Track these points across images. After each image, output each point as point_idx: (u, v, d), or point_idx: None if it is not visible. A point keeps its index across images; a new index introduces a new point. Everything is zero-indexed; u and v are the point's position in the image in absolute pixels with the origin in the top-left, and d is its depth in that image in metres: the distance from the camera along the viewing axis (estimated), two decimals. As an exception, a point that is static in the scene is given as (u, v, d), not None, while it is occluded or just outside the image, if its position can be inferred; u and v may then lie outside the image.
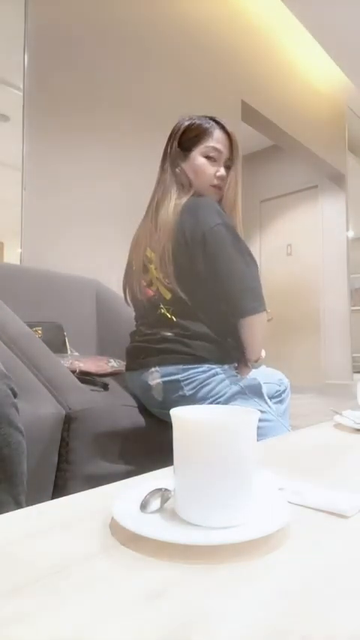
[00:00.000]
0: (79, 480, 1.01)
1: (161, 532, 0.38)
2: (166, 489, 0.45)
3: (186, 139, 1.20)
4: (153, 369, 1.14)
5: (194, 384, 1.10)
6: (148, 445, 1.13)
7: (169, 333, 1.13)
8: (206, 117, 1.22)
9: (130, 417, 1.14)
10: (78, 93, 2.33)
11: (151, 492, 0.44)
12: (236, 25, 3.45)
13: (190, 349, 1.11)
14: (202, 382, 1.10)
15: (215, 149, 1.18)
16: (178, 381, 1.10)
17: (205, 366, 1.10)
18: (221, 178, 1.19)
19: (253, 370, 1.21)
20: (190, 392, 1.10)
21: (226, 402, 1.10)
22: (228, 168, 1.21)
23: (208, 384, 1.10)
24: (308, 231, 5.21)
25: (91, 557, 0.36)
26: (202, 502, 0.40)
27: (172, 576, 0.33)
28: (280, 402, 1.24)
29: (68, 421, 1.01)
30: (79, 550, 0.37)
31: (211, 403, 1.09)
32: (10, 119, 2.13)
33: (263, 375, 1.21)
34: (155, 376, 1.13)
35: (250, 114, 3.56)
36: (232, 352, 1.16)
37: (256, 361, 1.18)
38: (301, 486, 0.51)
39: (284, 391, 1.27)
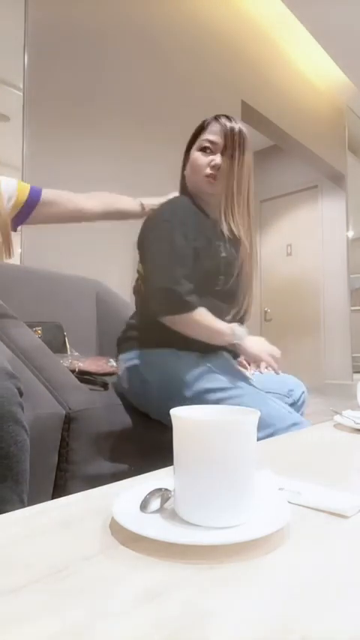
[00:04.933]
0: (79, 480, 1.01)
1: (161, 532, 0.38)
2: (166, 489, 0.45)
3: (190, 141, 1.22)
4: (119, 358, 1.21)
5: (152, 367, 1.13)
6: (148, 445, 1.13)
7: (132, 321, 1.22)
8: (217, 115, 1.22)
9: (130, 417, 1.14)
10: (78, 93, 2.33)
11: (151, 492, 0.44)
12: (236, 25, 3.45)
13: (147, 334, 1.17)
14: (160, 365, 1.12)
15: (209, 140, 1.16)
16: (137, 366, 1.14)
17: (164, 350, 1.13)
18: (215, 167, 1.15)
19: (262, 375, 1.20)
20: (150, 376, 1.12)
21: (192, 382, 1.08)
22: (230, 158, 1.16)
23: (166, 367, 1.12)
24: (308, 231, 5.21)
25: (91, 557, 0.36)
26: (202, 502, 0.40)
27: (172, 576, 0.33)
28: None
29: (68, 421, 1.01)
30: (78, 550, 0.37)
31: (175, 385, 1.09)
32: (10, 119, 2.13)
33: (271, 382, 1.18)
34: (121, 364, 1.20)
35: (250, 114, 3.56)
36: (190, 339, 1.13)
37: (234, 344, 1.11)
38: (301, 486, 0.51)
39: (294, 404, 1.21)
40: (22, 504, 0.74)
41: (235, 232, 1.17)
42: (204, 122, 1.19)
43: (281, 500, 0.44)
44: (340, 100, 4.83)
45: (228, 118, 1.18)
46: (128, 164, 2.55)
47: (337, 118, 4.90)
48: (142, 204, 1.34)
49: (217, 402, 1.04)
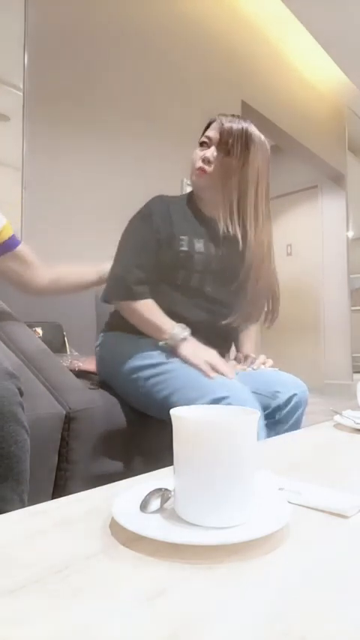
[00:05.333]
0: (79, 480, 1.01)
1: (161, 532, 0.38)
2: (166, 489, 0.45)
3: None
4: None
5: (105, 347, 1.22)
6: (148, 445, 1.13)
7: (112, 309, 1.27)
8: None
9: (130, 416, 1.14)
10: (78, 93, 2.33)
11: (151, 492, 0.44)
12: (236, 25, 3.45)
13: (109, 319, 1.26)
14: (109, 345, 1.21)
15: (206, 136, 1.16)
16: (97, 345, 1.26)
17: (115, 332, 1.21)
18: (205, 160, 1.15)
19: (252, 372, 1.18)
20: (104, 354, 1.22)
21: (127, 359, 1.11)
22: (227, 154, 1.13)
23: (113, 346, 1.19)
24: (308, 231, 5.21)
25: (91, 557, 0.36)
26: (202, 502, 0.40)
27: (172, 576, 0.33)
28: (279, 421, 1.09)
29: (68, 421, 1.01)
30: (79, 550, 0.37)
31: (117, 362, 1.14)
32: (10, 119, 2.13)
33: (255, 381, 1.11)
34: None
35: (250, 114, 3.55)
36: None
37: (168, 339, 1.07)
38: (301, 486, 0.51)
39: (278, 409, 1.09)
40: (23, 504, 0.74)
41: (231, 232, 1.14)
42: (210, 121, 1.20)
43: (281, 500, 0.44)
44: (341, 100, 4.82)
45: (234, 117, 1.16)
46: (128, 164, 2.55)
47: (337, 118, 4.90)
48: (100, 275, 1.33)
49: (149, 377, 1.06)
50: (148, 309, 1.10)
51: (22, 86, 2.11)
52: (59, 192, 2.22)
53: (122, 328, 1.17)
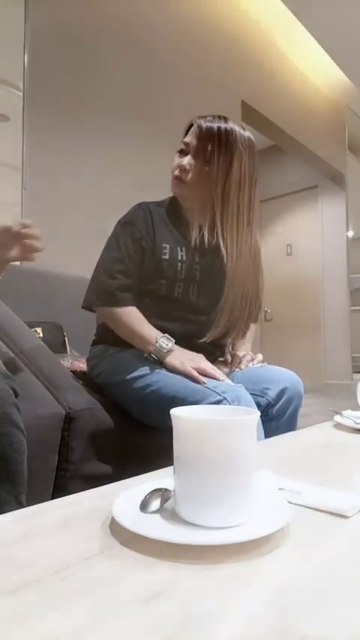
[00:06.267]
0: (79, 480, 1.01)
1: (161, 532, 0.38)
2: (166, 489, 0.45)
3: None
4: None
5: (94, 361, 1.19)
6: (148, 445, 1.13)
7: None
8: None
9: (130, 417, 1.14)
10: (78, 93, 2.33)
11: (151, 492, 0.44)
12: (236, 26, 3.45)
13: (96, 331, 1.24)
14: (100, 360, 1.16)
15: (184, 142, 1.10)
16: (87, 358, 1.24)
17: (101, 346, 1.18)
18: (180, 168, 1.09)
19: (241, 372, 1.15)
20: (94, 369, 1.18)
21: (115, 373, 1.10)
22: (207, 162, 1.07)
23: (100, 362, 1.16)
24: (308, 231, 5.21)
25: (91, 557, 0.36)
26: (202, 502, 0.40)
27: (172, 576, 0.33)
28: (270, 419, 1.08)
29: (68, 421, 1.01)
30: (78, 550, 0.37)
31: (111, 379, 1.11)
32: (10, 119, 2.13)
33: (245, 380, 1.08)
34: None
35: (250, 114, 3.56)
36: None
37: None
38: (301, 486, 0.51)
39: (270, 406, 1.07)
40: (20, 506, 0.73)
41: (213, 242, 1.09)
42: (189, 124, 1.13)
43: (281, 500, 0.44)
44: (340, 100, 4.83)
45: (214, 118, 1.08)
46: (128, 164, 2.55)
47: (337, 118, 4.90)
48: None
49: (140, 391, 1.03)
50: (132, 318, 1.06)
51: (22, 86, 2.11)
52: (59, 192, 2.22)
53: (109, 341, 1.14)
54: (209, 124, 1.07)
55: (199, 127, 1.07)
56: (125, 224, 1.13)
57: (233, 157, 1.07)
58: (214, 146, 1.06)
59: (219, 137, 1.06)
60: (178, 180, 1.11)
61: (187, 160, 1.09)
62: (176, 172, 1.11)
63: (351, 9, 3.38)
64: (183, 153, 1.11)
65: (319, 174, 4.93)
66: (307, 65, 4.21)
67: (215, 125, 1.07)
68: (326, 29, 3.64)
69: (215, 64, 3.22)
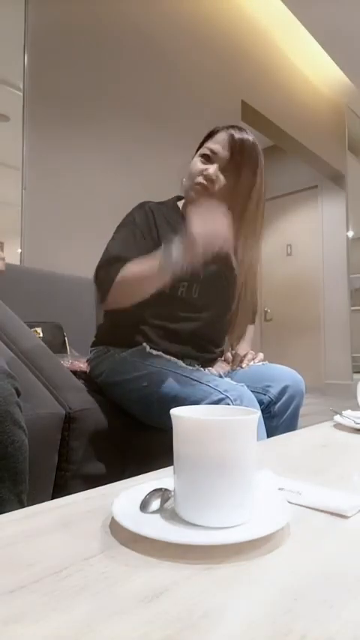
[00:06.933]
0: (79, 480, 1.01)
1: (161, 532, 0.38)
2: (166, 489, 0.45)
3: (197, 148, 1.15)
4: None
5: (92, 363, 1.20)
6: (148, 445, 1.13)
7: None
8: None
9: (130, 416, 1.14)
10: (78, 93, 2.33)
11: (151, 492, 0.44)
12: (236, 25, 3.45)
13: (96, 332, 1.26)
14: (100, 361, 1.17)
15: (210, 149, 1.07)
16: (87, 359, 1.25)
17: (102, 347, 1.18)
18: (208, 178, 1.06)
19: (240, 370, 1.16)
20: (94, 370, 1.18)
21: (113, 374, 1.10)
22: (237, 176, 1.06)
23: (101, 363, 1.16)
24: (308, 231, 5.21)
25: (91, 557, 0.36)
26: (201, 502, 0.40)
27: (172, 576, 0.33)
28: (272, 416, 1.08)
29: (68, 421, 1.01)
30: (78, 550, 0.37)
31: (111, 379, 1.12)
32: (10, 119, 2.13)
33: (246, 378, 1.08)
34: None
35: (250, 114, 3.56)
36: (128, 335, 1.11)
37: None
38: (301, 486, 0.51)
39: (272, 403, 1.07)
40: (21, 505, 0.74)
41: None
42: (214, 130, 1.12)
43: (281, 500, 0.44)
44: (341, 100, 4.83)
45: (241, 130, 1.08)
46: (128, 164, 2.55)
47: (337, 118, 4.90)
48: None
49: (140, 392, 1.03)
50: (128, 272, 0.96)
51: (22, 86, 2.11)
52: (59, 192, 2.22)
53: (109, 342, 1.16)
54: (240, 136, 1.06)
55: (232, 137, 1.05)
56: (126, 224, 1.12)
57: (256, 172, 1.07)
58: (244, 160, 1.05)
59: (249, 151, 1.06)
60: (202, 187, 1.08)
61: (213, 169, 1.06)
62: (200, 179, 1.08)
63: (351, 9, 3.38)
64: (206, 158, 1.08)
65: (319, 174, 4.93)
66: (307, 65, 4.21)
67: (245, 137, 1.06)
68: (326, 29, 3.64)
69: (215, 64, 3.22)
